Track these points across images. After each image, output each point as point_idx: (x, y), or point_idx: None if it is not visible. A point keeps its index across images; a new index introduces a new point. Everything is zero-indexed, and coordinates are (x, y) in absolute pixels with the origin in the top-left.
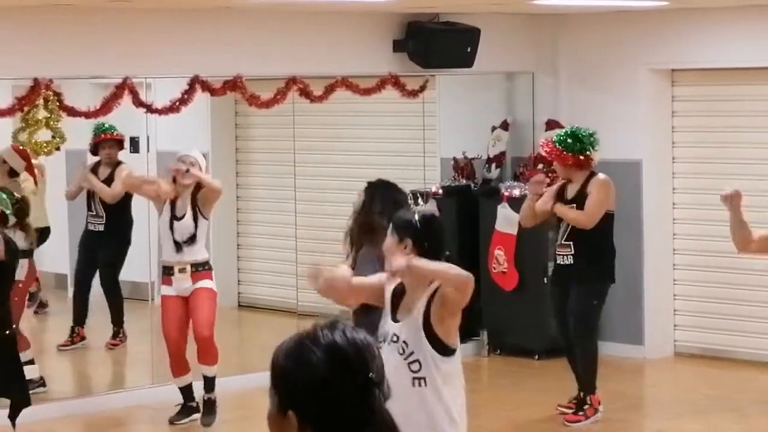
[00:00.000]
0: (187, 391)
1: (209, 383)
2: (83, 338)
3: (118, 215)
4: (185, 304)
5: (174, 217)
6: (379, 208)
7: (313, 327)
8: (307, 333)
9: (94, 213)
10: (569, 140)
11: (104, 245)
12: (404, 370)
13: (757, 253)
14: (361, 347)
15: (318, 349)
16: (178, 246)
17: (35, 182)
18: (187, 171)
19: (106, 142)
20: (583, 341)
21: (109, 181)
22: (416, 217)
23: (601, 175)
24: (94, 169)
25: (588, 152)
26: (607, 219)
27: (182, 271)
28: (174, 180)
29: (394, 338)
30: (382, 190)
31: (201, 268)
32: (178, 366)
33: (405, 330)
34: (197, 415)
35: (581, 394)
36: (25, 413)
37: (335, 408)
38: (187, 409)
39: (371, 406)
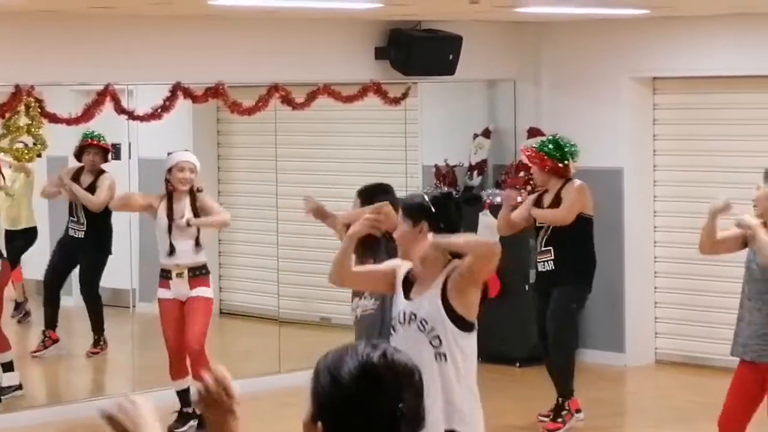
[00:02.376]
0: (184, 395)
1: None
2: (55, 341)
3: (99, 224)
4: (183, 307)
5: (172, 220)
6: None
7: (363, 342)
8: (353, 345)
9: (76, 219)
10: (550, 146)
11: (84, 253)
12: (426, 345)
13: (722, 253)
14: (400, 372)
15: (353, 365)
16: (175, 249)
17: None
18: (188, 225)
19: (90, 147)
20: (560, 343)
21: (91, 188)
22: (426, 198)
23: (576, 181)
24: (76, 175)
25: (567, 161)
26: (585, 223)
27: (180, 276)
28: (167, 190)
29: (412, 317)
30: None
31: (198, 273)
32: (178, 368)
33: (424, 308)
34: (194, 422)
35: (559, 400)
36: (3, 421)
37: (359, 429)
38: (184, 416)
39: None
